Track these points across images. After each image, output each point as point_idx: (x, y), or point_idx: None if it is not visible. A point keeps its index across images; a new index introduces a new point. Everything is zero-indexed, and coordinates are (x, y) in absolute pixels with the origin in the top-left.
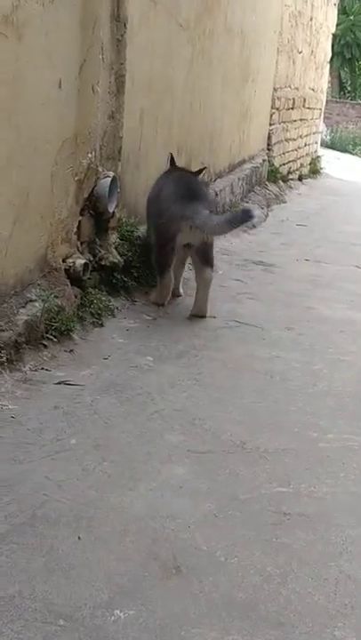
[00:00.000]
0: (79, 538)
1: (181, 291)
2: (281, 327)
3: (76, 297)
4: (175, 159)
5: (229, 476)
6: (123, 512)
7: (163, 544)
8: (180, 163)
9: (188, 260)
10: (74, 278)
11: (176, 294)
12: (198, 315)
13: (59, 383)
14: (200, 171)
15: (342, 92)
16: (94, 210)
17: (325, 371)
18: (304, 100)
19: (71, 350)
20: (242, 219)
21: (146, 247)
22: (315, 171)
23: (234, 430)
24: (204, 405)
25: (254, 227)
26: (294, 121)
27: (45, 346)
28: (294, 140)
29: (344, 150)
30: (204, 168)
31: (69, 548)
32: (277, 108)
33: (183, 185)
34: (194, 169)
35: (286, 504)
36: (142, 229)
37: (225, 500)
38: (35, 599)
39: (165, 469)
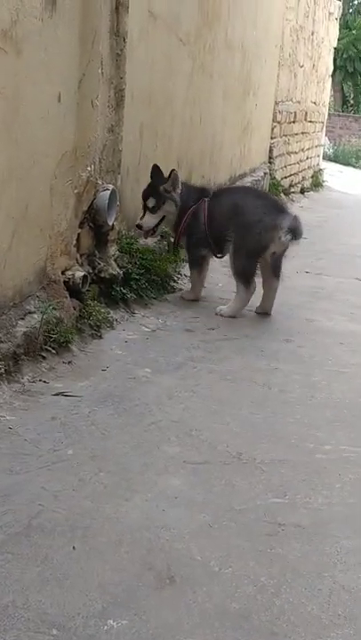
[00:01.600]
0: (74, 548)
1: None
2: (280, 339)
3: (74, 309)
4: (178, 172)
5: (225, 487)
6: (118, 522)
7: (157, 554)
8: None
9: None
10: (73, 290)
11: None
12: (265, 312)
13: (57, 394)
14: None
15: (345, 106)
16: (94, 222)
17: (324, 382)
18: (306, 113)
19: (70, 362)
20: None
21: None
22: (317, 184)
23: (231, 441)
24: (201, 417)
25: None
26: (296, 134)
27: (44, 357)
28: (296, 153)
29: (347, 163)
30: (173, 170)
31: (64, 558)
32: (279, 122)
33: (264, 197)
34: (194, 183)
35: (282, 515)
36: (142, 242)
37: (220, 511)
38: (28, 609)
39: (161, 480)
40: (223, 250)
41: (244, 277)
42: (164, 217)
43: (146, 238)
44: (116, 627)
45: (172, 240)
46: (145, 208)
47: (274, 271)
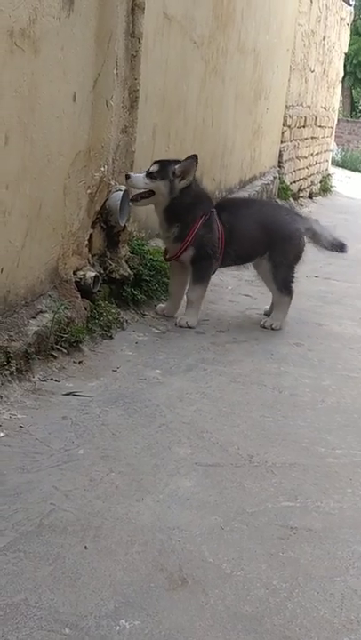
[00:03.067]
0: (86, 547)
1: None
2: (290, 343)
3: (85, 309)
4: (195, 161)
5: (237, 490)
6: (130, 523)
7: (169, 555)
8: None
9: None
10: (84, 290)
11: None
12: (278, 328)
13: (67, 394)
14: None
15: (354, 112)
16: (106, 223)
17: (334, 387)
18: (316, 118)
19: (80, 362)
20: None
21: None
22: (325, 189)
23: (242, 444)
24: (212, 419)
25: None
26: (306, 139)
27: (55, 357)
28: (305, 157)
29: (355, 169)
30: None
31: (76, 558)
32: (289, 126)
33: (285, 208)
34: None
35: (293, 518)
36: (153, 244)
37: (232, 513)
38: (40, 607)
39: (173, 482)
40: (235, 264)
41: (288, 289)
42: (153, 194)
43: (130, 201)
44: (128, 627)
45: (164, 252)
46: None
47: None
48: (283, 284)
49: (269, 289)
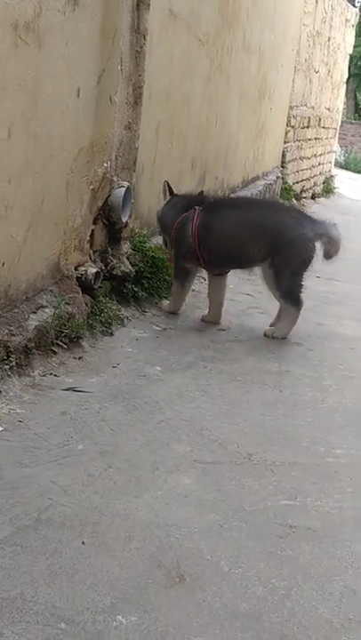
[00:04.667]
0: (83, 543)
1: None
2: (291, 342)
3: (86, 305)
4: (188, 173)
5: (236, 488)
6: (128, 519)
7: (167, 552)
8: (194, 176)
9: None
10: (85, 286)
11: (216, 321)
12: (282, 338)
13: (67, 389)
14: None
15: (357, 114)
16: (107, 219)
17: (335, 387)
18: (319, 119)
19: (80, 357)
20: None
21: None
22: (328, 190)
23: (241, 442)
24: (211, 416)
25: None
26: (309, 139)
27: (55, 352)
28: (308, 158)
29: (358, 171)
30: (202, 191)
31: (73, 553)
32: (293, 126)
33: (295, 211)
34: (208, 184)
35: (292, 517)
36: (155, 241)
37: (230, 511)
38: (37, 602)
39: (172, 478)
40: (226, 267)
41: (293, 298)
42: None
43: None
44: (125, 623)
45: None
46: None
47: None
48: (287, 293)
49: (274, 297)
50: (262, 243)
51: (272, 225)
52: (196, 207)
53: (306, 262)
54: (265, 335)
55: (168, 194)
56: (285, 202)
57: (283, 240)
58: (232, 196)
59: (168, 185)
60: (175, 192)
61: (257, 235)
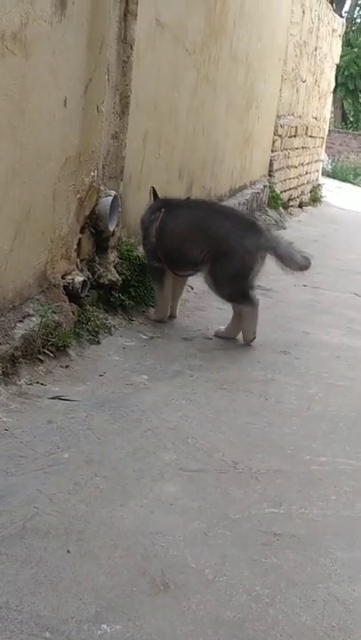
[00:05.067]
0: (68, 551)
1: (177, 312)
2: (277, 350)
3: (73, 313)
4: (175, 183)
5: (221, 496)
6: (113, 527)
7: (152, 560)
8: (181, 186)
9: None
10: (72, 295)
11: (172, 315)
12: (253, 339)
13: (53, 398)
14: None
15: (344, 123)
16: (95, 228)
17: (320, 395)
18: (307, 128)
19: (67, 366)
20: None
21: (143, 269)
22: (315, 199)
23: (227, 450)
24: (197, 425)
25: None
26: (296, 148)
27: (41, 360)
28: (296, 167)
29: (345, 180)
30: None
31: (58, 561)
32: (280, 135)
33: (241, 220)
34: (195, 193)
35: (277, 525)
36: (142, 249)
37: (215, 519)
38: (21, 611)
39: (157, 486)
40: (181, 268)
41: (241, 299)
42: None
43: None
44: (109, 631)
45: None
46: None
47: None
48: (231, 297)
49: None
50: (205, 247)
51: (215, 231)
52: (163, 208)
53: (243, 273)
54: (215, 335)
55: (153, 198)
56: (245, 210)
57: (222, 248)
58: (200, 199)
59: (154, 190)
60: (160, 197)
61: (201, 238)
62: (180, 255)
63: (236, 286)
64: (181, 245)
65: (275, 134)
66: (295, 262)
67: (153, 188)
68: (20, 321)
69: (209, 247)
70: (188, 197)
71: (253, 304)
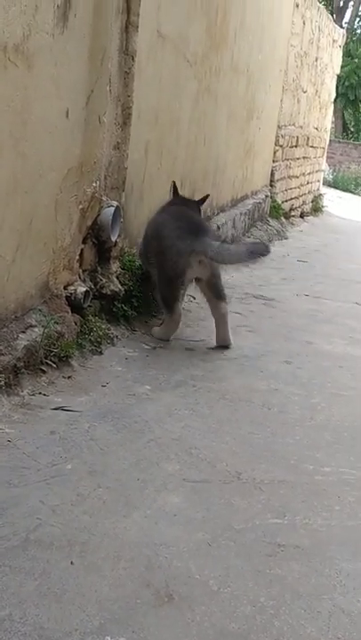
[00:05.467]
0: (72, 563)
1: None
2: (280, 360)
3: (76, 324)
4: (173, 184)
5: (224, 506)
6: (116, 538)
7: (156, 571)
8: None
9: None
10: (74, 305)
11: None
12: (224, 345)
13: (56, 409)
14: (203, 199)
15: (345, 133)
16: (97, 238)
17: (323, 404)
18: (308, 138)
19: (70, 377)
20: (262, 252)
21: (145, 279)
22: (317, 208)
23: (230, 460)
24: (200, 435)
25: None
26: (298, 159)
27: (44, 371)
28: (297, 177)
29: (346, 190)
30: (207, 196)
31: (62, 573)
32: (281, 146)
33: (184, 219)
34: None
35: (281, 535)
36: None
37: (219, 530)
38: (25, 623)
39: (160, 497)
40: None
41: (164, 303)
42: None
43: None
44: None
45: None
46: None
47: (215, 295)
48: (161, 301)
49: None
50: (151, 247)
51: (157, 231)
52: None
53: (176, 276)
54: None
55: (172, 195)
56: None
57: (159, 249)
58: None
59: (174, 185)
60: (180, 196)
61: (150, 238)
62: (145, 255)
63: (169, 290)
64: (144, 245)
65: (276, 144)
66: (240, 253)
67: (174, 183)
68: (23, 332)
69: (152, 247)
70: (207, 195)
71: (172, 317)
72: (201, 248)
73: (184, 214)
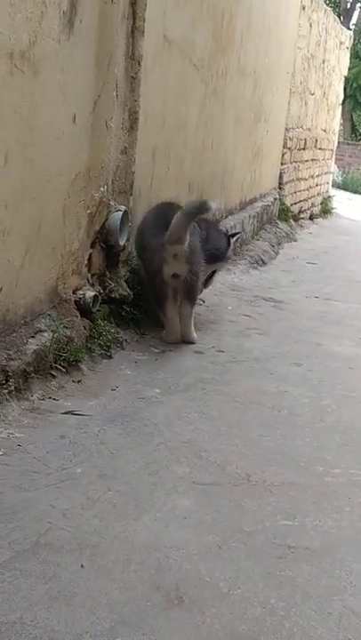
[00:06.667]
0: (82, 566)
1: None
2: (289, 362)
3: (85, 328)
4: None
5: (234, 508)
6: (127, 541)
7: (166, 574)
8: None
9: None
10: (83, 310)
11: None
12: (185, 340)
13: (66, 413)
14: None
15: (354, 135)
16: (105, 243)
17: (333, 406)
18: (316, 140)
19: (79, 381)
20: (195, 207)
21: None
22: (326, 210)
23: (240, 463)
24: (210, 438)
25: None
26: (306, 161)
27: (54, 376)
28: (306, 179)
29: (355, 191)
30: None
31: (72, 576)
32: (289, 148)
33: (162, 217)
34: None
35: (291, 537)
36: None
37: (229, 532)
38: (36, 626)
39: (170, 500)
40: None
41: (154, 304)
42: None
43: None
44: None
45: None
46: None
47: (184, 293)
48: (151, 301)
49: None
50: (137, 248)
51: (138, 231)
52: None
53: (153, 272)
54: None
55: None
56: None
57: (141, 249)
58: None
59: None
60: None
61: (135, 240)
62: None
63: (152, 287)
64: (136, 249)
65: (284, 147)
66: (178, 218)
67: None
68: (32, 336)
69: (138, 250)
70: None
71: (165, 315)
72: (165, 239)
73: (162, 212)
